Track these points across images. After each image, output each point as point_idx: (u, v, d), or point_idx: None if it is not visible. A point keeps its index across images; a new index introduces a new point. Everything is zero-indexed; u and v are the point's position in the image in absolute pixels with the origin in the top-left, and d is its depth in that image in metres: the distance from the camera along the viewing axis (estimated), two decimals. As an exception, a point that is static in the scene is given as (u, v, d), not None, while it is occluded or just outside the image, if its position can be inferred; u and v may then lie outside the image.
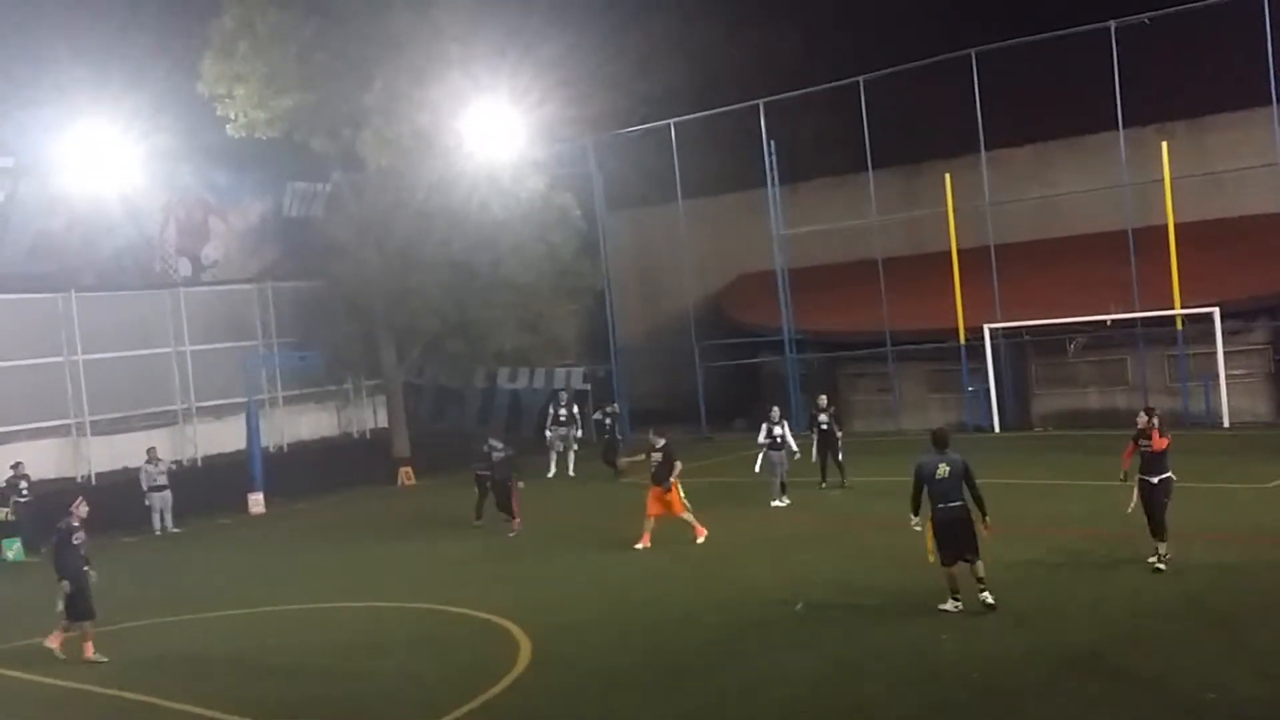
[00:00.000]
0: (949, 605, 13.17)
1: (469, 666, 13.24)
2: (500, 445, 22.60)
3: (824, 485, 23.09)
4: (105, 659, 14.66)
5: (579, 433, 30.07)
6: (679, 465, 19.34)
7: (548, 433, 29.81)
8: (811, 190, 37.15)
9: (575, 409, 30.07)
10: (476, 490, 22.77)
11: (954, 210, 31.58)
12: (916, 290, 32.55)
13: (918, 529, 13.64)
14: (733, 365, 35.75)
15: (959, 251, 31.23)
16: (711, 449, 31.99)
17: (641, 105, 35.79)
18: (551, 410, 30.16)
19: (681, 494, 19.30)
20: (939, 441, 13.52)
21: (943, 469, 13.18)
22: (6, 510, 24.41)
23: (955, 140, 32.25)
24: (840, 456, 23.32)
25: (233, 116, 29.45)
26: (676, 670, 12.51)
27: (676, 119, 35.04)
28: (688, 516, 19.17)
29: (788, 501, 22.23)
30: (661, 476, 19.17)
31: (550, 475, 29.02)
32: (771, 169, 34.35)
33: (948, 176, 31.78)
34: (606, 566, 18.21)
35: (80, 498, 15.61)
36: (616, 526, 20.22)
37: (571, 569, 18.29)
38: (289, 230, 35.19)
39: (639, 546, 18.94)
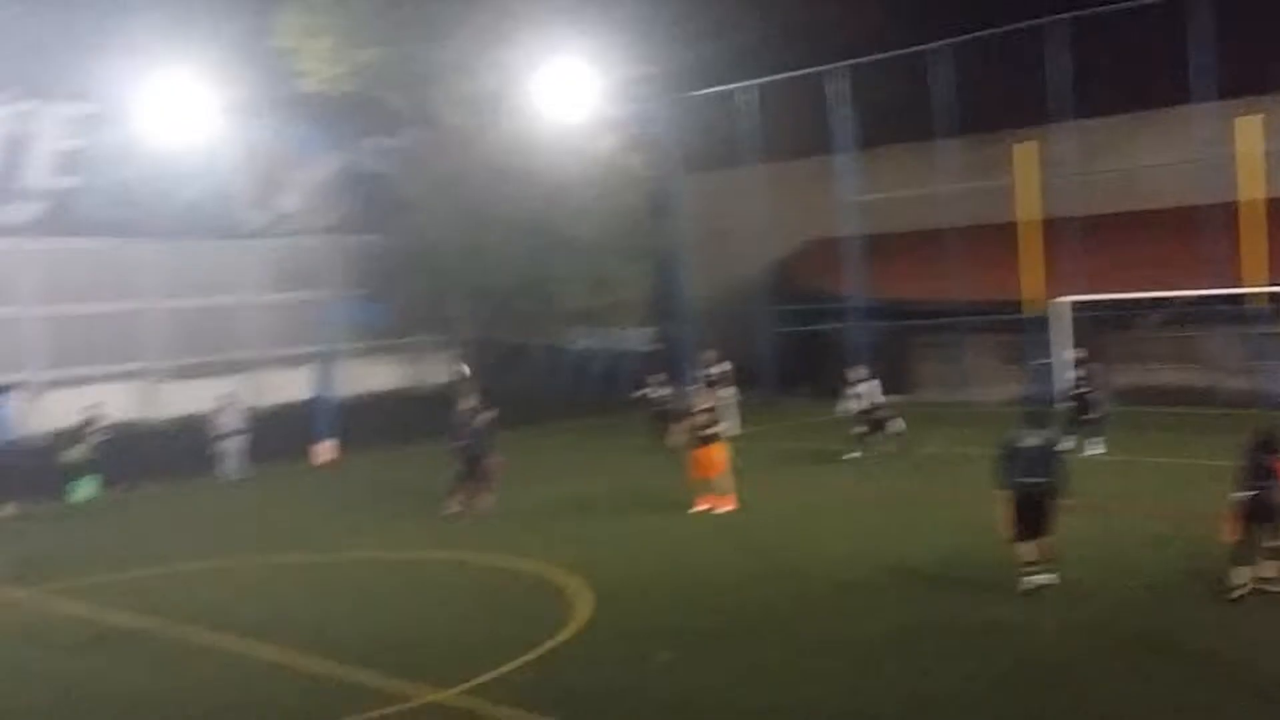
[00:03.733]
0: (1028, 582, 12.99)
1: (530, 618, 13.37)
2: (477, 409, 20.07)
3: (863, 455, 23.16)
4: None
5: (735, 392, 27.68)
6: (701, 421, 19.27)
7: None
8: (884, 156, 36.71)
9: (727, 366, 27.96)
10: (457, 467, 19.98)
11: (1030, 181, 31.07)
12: (988, 261, 32.07)
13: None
14: (800, 331, 35.52)
15: (1034, 223, 30.73)
16: (777, 414, 31.91)
17: (715, 66, 35.47)
18: (700, 372, 28.29)
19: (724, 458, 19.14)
20: (1031, 416, 13.44)
21: (1031, 443, 13.07)
22: (84, 448, 24.46)
23: (1032, 110, 31.65)
24: (891, 428, 23.18)
25: (310, 70, 29.67)
26: (741, 629, 12.63)
27: (751, 82, 34.70)
28: (725, 482, 19.04)
29: (860, 454, 23.42)
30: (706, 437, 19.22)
31: None
32: (846, 134, 33.95)
33: (1022, 147, 31.24)
34: (673, 528, 18.26)
35: None
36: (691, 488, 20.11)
37: (640, 528, 18.37)
38: (362, 184, 35.48)
39: (700, 509, 18.99)
